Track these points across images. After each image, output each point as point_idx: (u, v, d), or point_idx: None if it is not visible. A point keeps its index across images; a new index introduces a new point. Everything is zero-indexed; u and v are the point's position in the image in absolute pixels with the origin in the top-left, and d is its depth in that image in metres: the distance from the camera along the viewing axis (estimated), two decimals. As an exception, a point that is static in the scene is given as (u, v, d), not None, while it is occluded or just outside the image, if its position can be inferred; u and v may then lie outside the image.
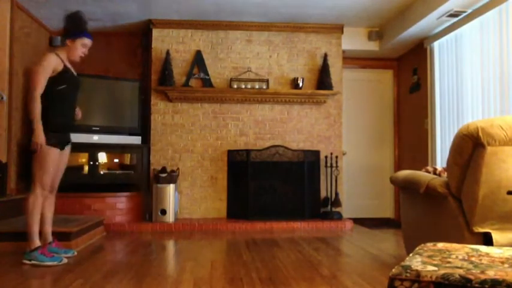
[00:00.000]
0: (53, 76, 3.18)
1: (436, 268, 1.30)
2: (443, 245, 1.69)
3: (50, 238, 3.36)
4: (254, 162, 5.29)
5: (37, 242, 3.13)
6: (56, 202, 3.43)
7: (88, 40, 3.36)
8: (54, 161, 3.20)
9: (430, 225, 2.85)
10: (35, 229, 3.14)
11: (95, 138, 5.07)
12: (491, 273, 1.23)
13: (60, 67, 3.23)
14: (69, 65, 3.34)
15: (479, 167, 2.35)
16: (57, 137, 3.22)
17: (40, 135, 3.08)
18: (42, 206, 3.21)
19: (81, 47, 3.33)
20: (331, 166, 5.47)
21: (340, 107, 5.69)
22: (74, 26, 3.34)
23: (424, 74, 5.47)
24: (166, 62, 5.37)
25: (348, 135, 6.14)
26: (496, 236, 2.40)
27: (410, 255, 1.53)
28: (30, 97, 3.13)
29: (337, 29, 5.67)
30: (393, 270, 1.31)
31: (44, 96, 3.15)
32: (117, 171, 5.45)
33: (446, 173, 2.70)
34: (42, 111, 3.13)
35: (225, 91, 5.42)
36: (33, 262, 3.06)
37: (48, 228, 3.36)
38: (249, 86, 5.47)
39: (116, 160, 5.54)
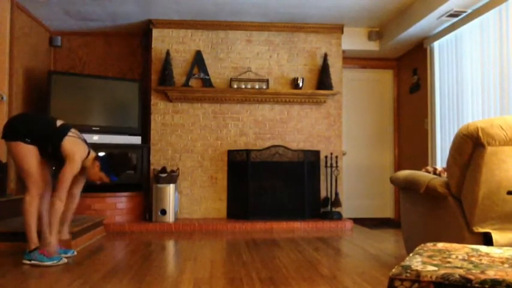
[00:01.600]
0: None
1: (436, 268, 1.29)
2: (443, 245, 1.69)
3: (49, 238, 3.36)
4: (254, 162, 5.29)
5: (36, 242, 3.13)
6: None
7: (108, 181, 3.37)
8: (33, 156, 3.13)
9: (430, 225, 2.84)
10: (33, 230, 3.14)
11: (95, 138, 5.07)
12: (491, 273, 1.23)
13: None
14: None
15: (479, 167, 2.35)
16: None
17: (54, 244, 3.14)
18: (39, 206, 3.20)
19: (100, 178, 3.33)
20: (331, 166, 5.47)
21: (340, 107, 5.69)
22: (117, 165, 3.36)
23: (424, 74, 5.47)
24: (166, 62, 5.37)
25: (348, 135, 6.14)
26: (496, 236, 2.40)
27: (410, 255, 1.53)
28: (55, 196, 3.11)
29: (337, 29, 5.67)
30: (393, 270, 1.31)
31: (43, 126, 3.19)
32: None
33: (446, 173, 2.70)
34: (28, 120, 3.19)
35: (225, 91, 5.42)
36: (33, 262, 3.06)
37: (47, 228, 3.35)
38: (249, 86, 5.47)
39: (116, 160, 5.54)
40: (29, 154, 3.10)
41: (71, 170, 3.13)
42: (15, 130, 3.12)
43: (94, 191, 4.91)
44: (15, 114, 3.37)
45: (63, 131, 3.20)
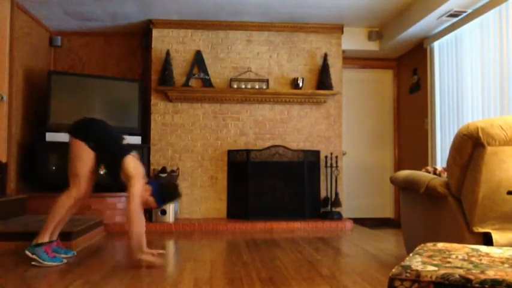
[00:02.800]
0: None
1: (436, 268, 1.30)
2: (443, 245, 1.69)
3: (55, 237, 3.34)
4: (254, 162, 5.29)
5: (45, 239, 3.12)
6: None
7: (156, 207, 3.35)
8: (89, 160, 3.09)
9: (430, 225, 2.85)
10: (51, 227, 3.13)
11: (95, 138, 5.06)
12: (491, 273, 1.23)
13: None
14: None
15: (479, 167, 2.35)
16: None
17: (139, 250, 3.02)
18: (68, 208, 3.17)
19: (148, 202, 3.26)
20: (331, 166, 5.47)
21: (340, 107, 5.69)
22: (169, 194, 3.31)
23: (424, 74, 5.47)
24: (166, 62, 5.37)
25: (348, 135, 6.14)
26: (496, 236, 2.40)
27: (410, 255, 1.53)
28: (128, 217, 3.03)
29: (337, 29, 5.67)
30: (393, 270, 1.31)
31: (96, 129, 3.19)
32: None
33: (446, 173, 2.70)
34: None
35: (225, 91, 5.42)
36: (34, 257, 3.02)
37: (59, 229, 3.34)
38: (249, 86, 5.47)
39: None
40: (86, 157, 3.09)
41: (138, 189, 3.06)
42: (86, 130, 3.13)
43: (94, 191, 4.90)
44: (91, 117, 3.35)
45: (128, 149, 3.20)
